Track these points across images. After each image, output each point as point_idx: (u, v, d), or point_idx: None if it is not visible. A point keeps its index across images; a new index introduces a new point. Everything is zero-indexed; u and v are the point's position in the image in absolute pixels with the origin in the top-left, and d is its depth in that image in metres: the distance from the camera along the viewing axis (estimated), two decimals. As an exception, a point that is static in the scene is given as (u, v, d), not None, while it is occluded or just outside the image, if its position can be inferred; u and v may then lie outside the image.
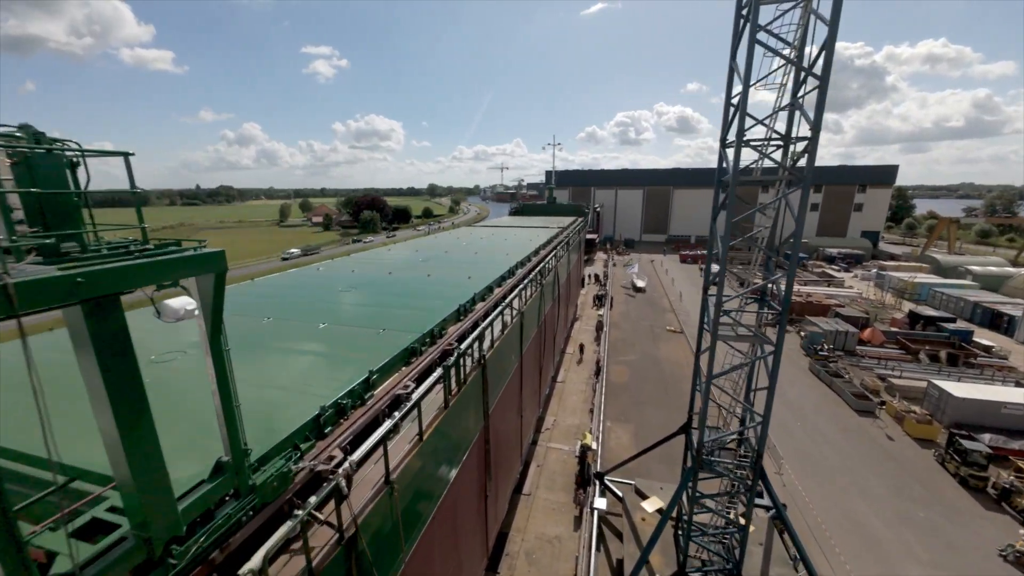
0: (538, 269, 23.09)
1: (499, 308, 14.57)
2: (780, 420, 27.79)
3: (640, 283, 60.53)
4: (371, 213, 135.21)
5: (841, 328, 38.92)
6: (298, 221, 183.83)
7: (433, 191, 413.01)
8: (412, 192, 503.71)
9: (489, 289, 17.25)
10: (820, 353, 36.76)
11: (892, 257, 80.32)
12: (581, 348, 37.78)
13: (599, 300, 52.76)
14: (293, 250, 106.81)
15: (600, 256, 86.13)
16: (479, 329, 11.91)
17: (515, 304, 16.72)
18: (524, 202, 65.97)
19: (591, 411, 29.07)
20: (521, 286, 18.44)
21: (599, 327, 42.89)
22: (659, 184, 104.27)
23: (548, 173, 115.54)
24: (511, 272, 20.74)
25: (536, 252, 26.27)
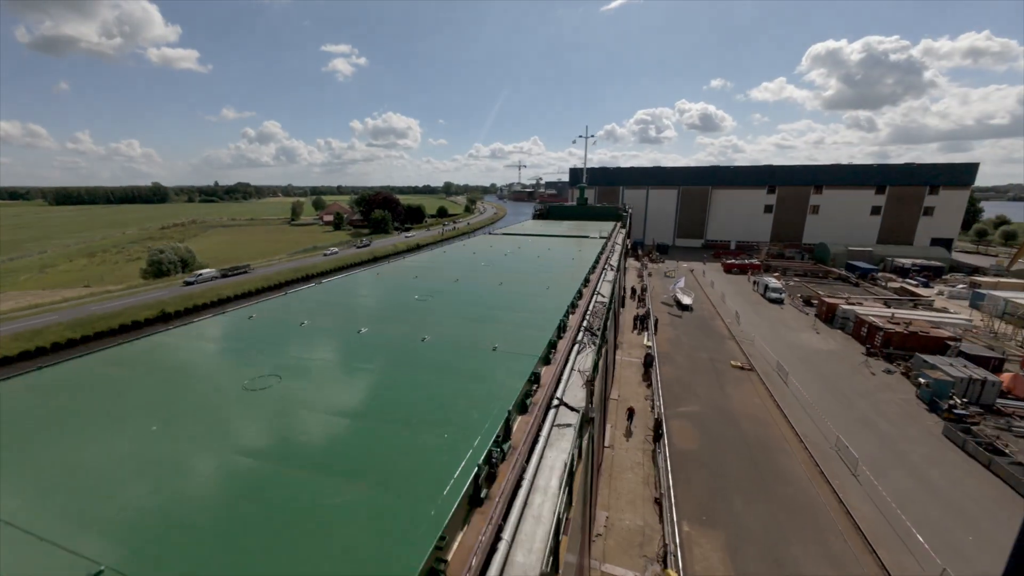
0: (590, 311, 14.54)
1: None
2: (942, 530, 18.71)
3: (686, 299, 51.42)
4: (383, 212, 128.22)
5: (976, 374, 29.37)
6: (310, 219, 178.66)
7: (449, 189, 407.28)
8: (428, 190, 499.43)
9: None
10: (954, 410, 27.37)
11: (976, 270, 69.15)
12: (630, 415, 26.75)
13: (640, 322, 43.93)
14: (334, 248, 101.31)
15: (632, 264, 76.93)
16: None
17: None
18: (548, 203, 57.38)
19: (657, 502, 20.47)
20: (579, 341, 10.68)
21: (648, 362, 34.11)
22: (696, 183, 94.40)
23: (573, 171, 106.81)
24: (563, 324, 12.30)
25: (586, 282, 17.73)
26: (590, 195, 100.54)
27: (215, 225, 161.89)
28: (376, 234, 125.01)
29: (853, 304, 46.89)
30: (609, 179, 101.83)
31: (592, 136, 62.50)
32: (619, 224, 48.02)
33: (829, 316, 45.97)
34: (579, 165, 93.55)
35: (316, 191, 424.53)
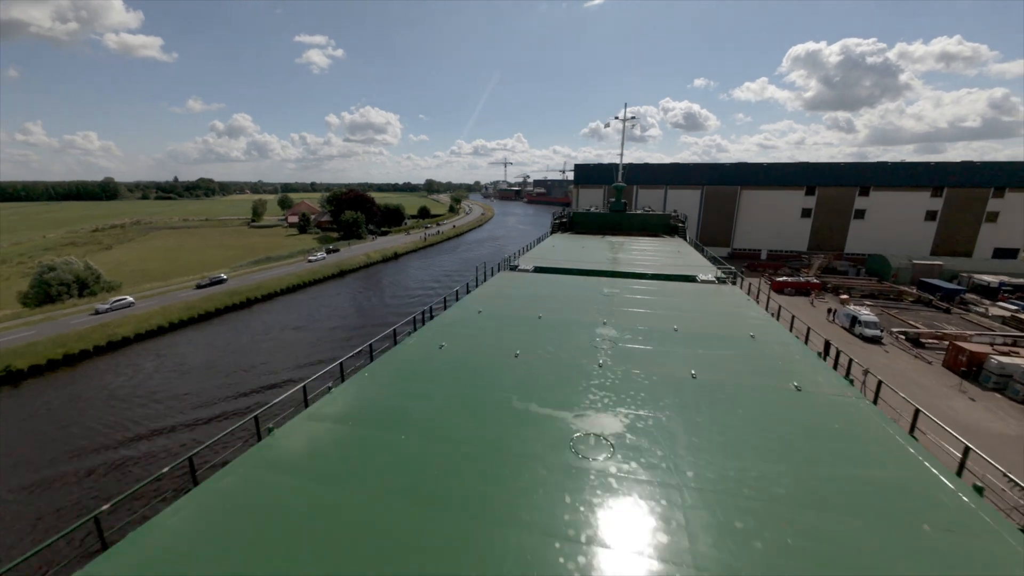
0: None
1: None
2: None
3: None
4: (354, 214, 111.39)
5: None
6: (275, 220, 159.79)
7: (431, 187, 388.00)
8: (409, 188, 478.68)
9: None
10: None
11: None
12: None
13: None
14: (320, 254, 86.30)
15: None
16: None
17: None
18: (565, 206, 42.91)
19: None
20: None
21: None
22: (721, 183, 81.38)
23: (580, 168, 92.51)
24: None
25: None
26: (595, 197, 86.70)
27: (161, 227, 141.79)
28: (347, 240, 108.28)
29: (1004, 350, 33.92)
30: (614, 176, 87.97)
31: (632, 118, 48.13)
32: (676, 238, 34.29)
33: (971, 368, 33.00)
34: (583, 160, 79.93)
35: (288, 188, 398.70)
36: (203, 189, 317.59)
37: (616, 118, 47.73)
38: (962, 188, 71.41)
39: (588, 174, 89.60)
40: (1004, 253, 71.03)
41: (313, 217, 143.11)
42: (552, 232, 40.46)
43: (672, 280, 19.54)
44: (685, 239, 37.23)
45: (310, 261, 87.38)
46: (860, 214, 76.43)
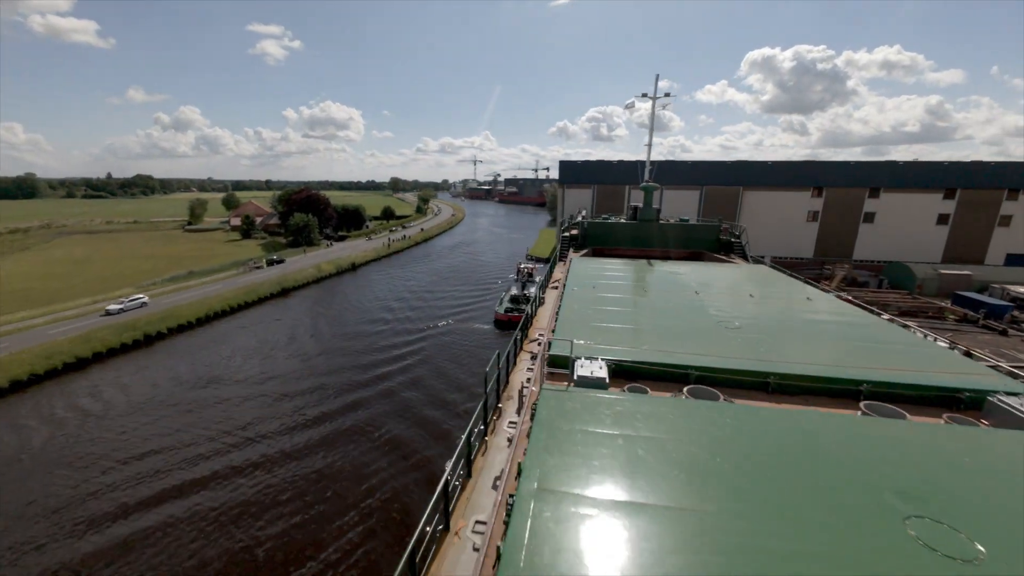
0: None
1: None
2: None
3: None
4: (305, 216, 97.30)
5: None
6: (216, 222, 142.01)
7: (396, 185, 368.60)
8: (373, 186, 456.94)
9: None
10: None
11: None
12: None
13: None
14: (260, 267, 73.99)
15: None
16: None
17: None
18: (585, 221, 32.78)
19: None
20: None
21: None
22: (723, 183, 73.74)
23: (566, 164, 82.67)
24: None
25: None
26: (582, 199, 77.29)
27: (76, 231, 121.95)
28: (297, 247, 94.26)
29: None
30: (607, 175, 78.89)
31: (667, 95, 38.32)
32: (732, 258, 25.08)
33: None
34: (552, 159, 70.33)
35: (240, 186, 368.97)
36: (140, 187, 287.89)
37: (644, 95, 37.92)
38: (975, 190, 66.54)
39: (576, 172, 79.93)
40: (1017, 259, 66.64)
41: (260, 220, 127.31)
42: (560, 251, 30.10)
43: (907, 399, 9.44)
44: (747, 259, 27.92)
45: (256, 269, 73.87)
46: (869, 217, 70.53)
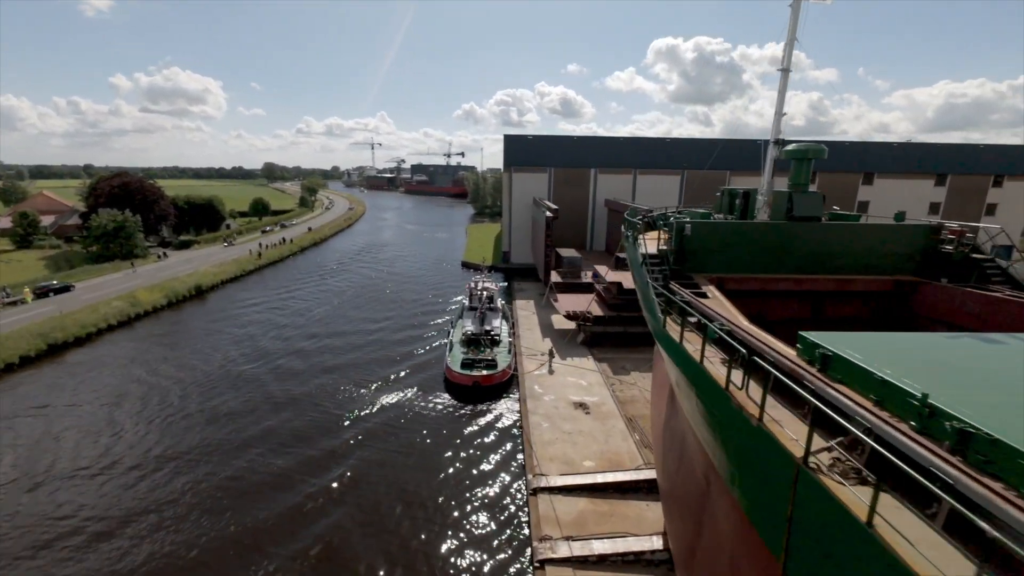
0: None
1: None
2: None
3: None
4: (118, 215, 63.77)
5: None
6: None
7: (272, 173, 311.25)
8: (242, 174, 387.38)
9: None
10: None
11: None
12: None
13: None
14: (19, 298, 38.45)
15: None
16: None
17: None
18: (679, 215, 13.40)
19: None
20: None
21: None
22: (707, 166, 59.48)
23: (512, 140, 61.76)
24: None
25: None
26: (535, 186, 57.82)
27: None
28: (106, 262, 61.06)
29: None
30: (568, 157, 60.02)
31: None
32: None
33: None
34: (459, 147, 50.34)
35: (46, 172, 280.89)
36: None
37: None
38: (963, 176, 60.66)
39: (527, 151, 59.62)
40: (1002, 252, 62.47)
41: (53, 220, 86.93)
42: (643, 291, 10.78)
43: None
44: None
45: (8, 305, 42.04)
46: (863, 207, 61.73)
